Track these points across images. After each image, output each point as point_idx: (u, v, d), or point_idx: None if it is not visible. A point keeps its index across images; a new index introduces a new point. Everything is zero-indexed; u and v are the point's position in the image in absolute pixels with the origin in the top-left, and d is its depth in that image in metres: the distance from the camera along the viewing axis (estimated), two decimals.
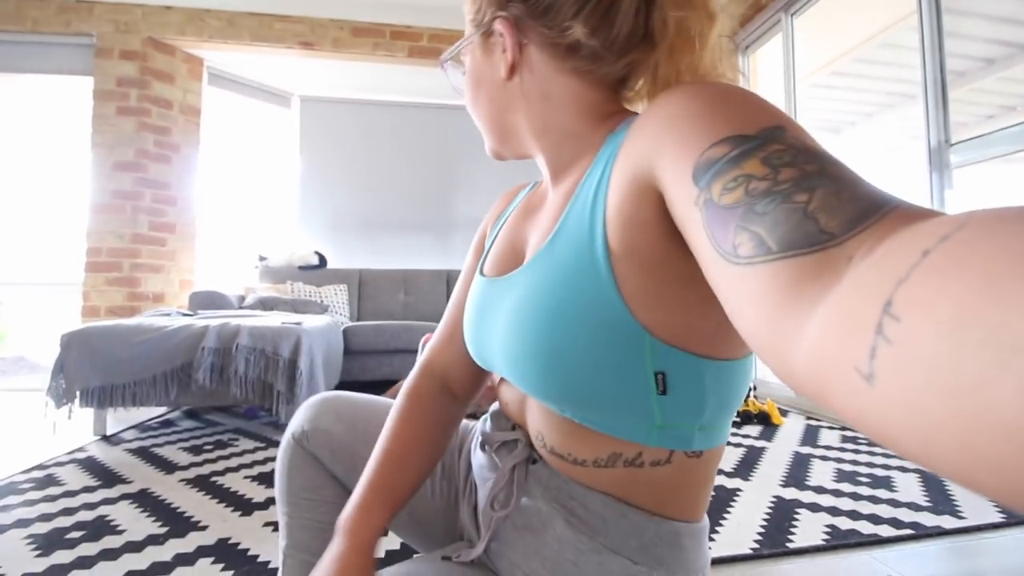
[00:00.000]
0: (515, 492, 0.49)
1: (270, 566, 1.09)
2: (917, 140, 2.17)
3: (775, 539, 1.21)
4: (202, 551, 1.15)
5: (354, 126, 4.23)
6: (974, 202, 2.18)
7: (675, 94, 0.35)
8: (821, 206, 0.21)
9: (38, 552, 1.14)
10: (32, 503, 1.41)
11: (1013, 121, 1.81)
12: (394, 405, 0.58)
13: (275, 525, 1.28)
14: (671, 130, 0.32)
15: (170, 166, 3.41)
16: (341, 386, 2.84)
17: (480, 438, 0.56)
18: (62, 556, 1.13)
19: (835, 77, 4.13)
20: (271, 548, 1.17)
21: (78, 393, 1.99)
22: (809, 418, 2.41)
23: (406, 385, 0.59)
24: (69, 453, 1.85)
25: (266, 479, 1.61)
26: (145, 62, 3.30)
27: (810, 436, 2.09)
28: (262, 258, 3.63)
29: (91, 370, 2.00)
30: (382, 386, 3.00)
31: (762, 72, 3.38)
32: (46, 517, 1.32)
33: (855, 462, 1.75)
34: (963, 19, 2.88)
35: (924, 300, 0.14)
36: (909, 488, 1.51)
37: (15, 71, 3.35)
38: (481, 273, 0.55)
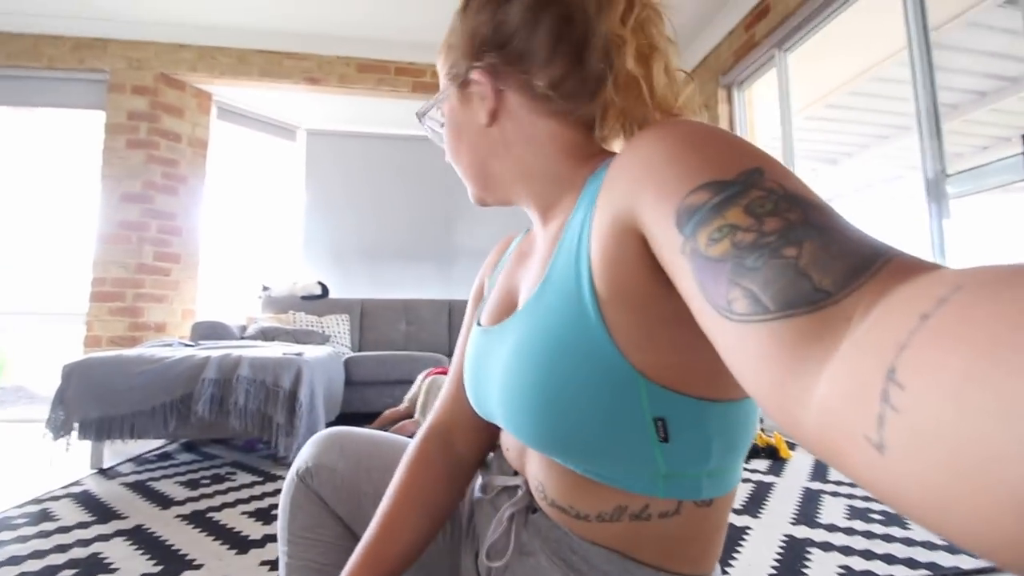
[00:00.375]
0: (512, 542, 0.48)
1: None
2: (914, 170, 2.20)
3: None
4: None
5: (358, 158, 4.31)
6: (973, 232, 2.19)
7: (649, 136, 0.34)
8: (812, 261, 0.21)
9: None
10: (25, 539, 1.38)
11: (1008, 152, 1.84)
12: (397, 470, 0.56)
13: (272, 564, 1.25)
14: (649, 174, 0.32)
15: (176, 197, 3.46)
16: (342, 417, 2.80)
17: (481, 480, 0.55)
18: None
19: (830, 110, 4.22)
20: None
21: (77, 425, 1.96)
22: None
23: (410, 449, 0.58)
24: (65, 487, 1.82)
25: (263, 515, 1.57)
26: (156, 97, 3.39)
27: (820, 471, 2.05)
28: (265, 288, 3.64)
29: (90, 401, 1.98)
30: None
31: (758, 106, 3.46)
32: (39, 554, 1.29)
33: (867, 498, 1.71)
34: (953, 54, 2.96)
35: (927, 368, 0.14)
36: None
37: (30, 105, 3.44)
38: (478, 323, 0.54)
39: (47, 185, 3.69)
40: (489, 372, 0.47)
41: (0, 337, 3.65)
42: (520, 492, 0.49)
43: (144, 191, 3.32)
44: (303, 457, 0.63)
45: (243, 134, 3.97)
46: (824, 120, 4.40)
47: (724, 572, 1.21)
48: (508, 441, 0.53)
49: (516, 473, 0.52)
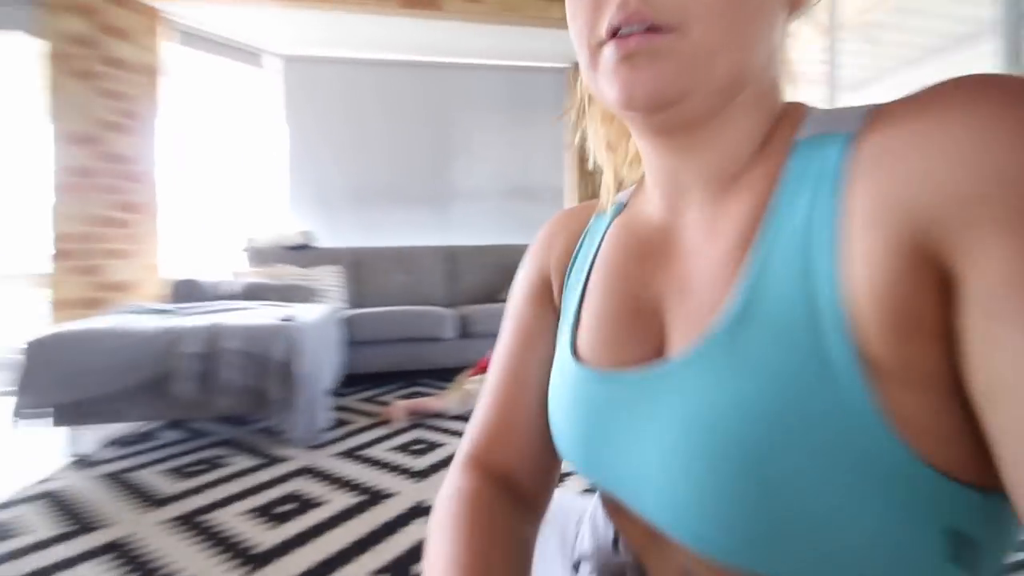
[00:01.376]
0: None
1: None
2: None
3: None
4: None
5: (342, 88, 3.84)
6: None
7: (993, 105, 0.20)
8: None
9: None
10: None
11: None
12: (444, 517, 0.38)
13: None
14: (1002, 181, 0.19)
15: (130, 138, 3.02)
16: (347, 379, 2.66)
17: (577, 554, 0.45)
18: None
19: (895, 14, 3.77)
20: None
21: (47, 410, 1.71)
22: None
23: (456, 488, 0.40)
24: (40, 482, 1.59)
25: (268, 513, 1.35)
26: (97, 16, 2.87)
27: None
28: (248, 239, 3.31)
29: (60, 384, 1.71)
30: (389, 377, 2.83)
31: None
32: None
33: None
34: None
35: None
36: None
37: None
38: (575, 355, 0.37)
39: None
40: (631, 440, 0.32)
41: None
42: None
43: (95, 131, 2.88)
44: None
45: (206, 61, 3.45)
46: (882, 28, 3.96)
47: None
48: (630, 519, 0.36)
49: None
